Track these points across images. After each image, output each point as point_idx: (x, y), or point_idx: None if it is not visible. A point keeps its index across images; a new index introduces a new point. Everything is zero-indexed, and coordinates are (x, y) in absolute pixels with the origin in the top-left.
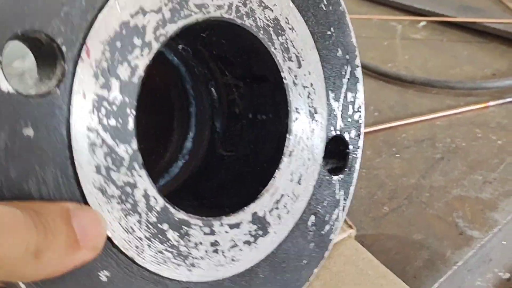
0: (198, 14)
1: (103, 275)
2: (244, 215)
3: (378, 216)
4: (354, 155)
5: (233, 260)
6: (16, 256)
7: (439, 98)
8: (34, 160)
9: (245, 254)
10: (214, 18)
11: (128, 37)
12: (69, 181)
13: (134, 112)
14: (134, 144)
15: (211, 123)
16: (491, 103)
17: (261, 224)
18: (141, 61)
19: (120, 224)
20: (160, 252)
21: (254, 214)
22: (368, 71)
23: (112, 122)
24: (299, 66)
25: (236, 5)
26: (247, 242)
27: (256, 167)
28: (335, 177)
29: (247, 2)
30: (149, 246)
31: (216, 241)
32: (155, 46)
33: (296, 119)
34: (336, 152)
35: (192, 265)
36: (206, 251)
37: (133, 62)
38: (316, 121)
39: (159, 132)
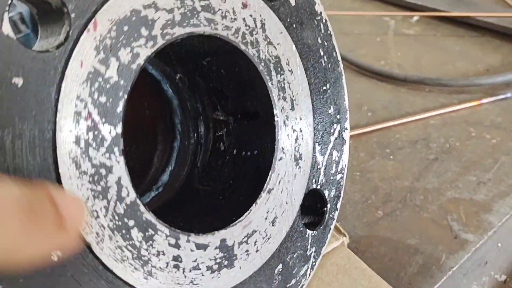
0: (206, 27)
1: (55, 254)
2: (212, 238)
3: (372, 221)
4: (331, 216)
5: (192, 283)
6: (12, 238)
7: (432, 96)
8: (15, 110)
9: (206, 280)
10: (221, 36)
11: (136, 24)
12: (45, 143)
13: (126, 97)
14: (119, 128)
15: (192, 158)
16: (485, 100)
17: (228, 254)
18: (144, 51)
19: (85, 204)
20: (120, 248)
21: (223, 240)
22: (361, 69)
23: (103, 99)
24: (292, 108)
25: (243, 31)
26: (210, 269)
27: (232, 201)
28: (309, 231)
29: (254, 32)
30: (110, 238)
31: (179, 256)
32: (160, 42)
33: (281, 159)
34: (314, 208)
35: (150, 273)
36: (167, 263)
37: (135, 50)
38: (299, 167)
39: (137, 163)
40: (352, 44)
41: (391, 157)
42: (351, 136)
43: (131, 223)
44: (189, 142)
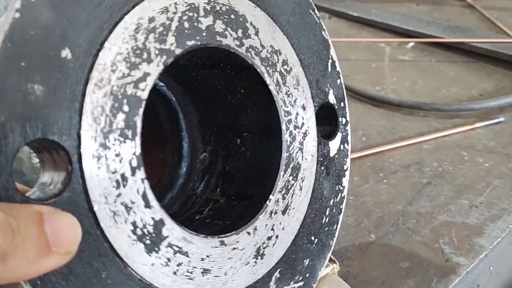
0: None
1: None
2: None
3: (364, 244)
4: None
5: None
6: None
7: (426, 121)
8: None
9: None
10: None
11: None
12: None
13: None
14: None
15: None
16: (478, 124)
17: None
18: None
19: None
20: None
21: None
22: (357, 94)
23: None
24: (284, 211)
25: (290, 123)
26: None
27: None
28: None
29: (296, 131)
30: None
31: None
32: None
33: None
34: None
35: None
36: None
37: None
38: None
39: None
40: (348, 70)
41: (385, 181)
42: None
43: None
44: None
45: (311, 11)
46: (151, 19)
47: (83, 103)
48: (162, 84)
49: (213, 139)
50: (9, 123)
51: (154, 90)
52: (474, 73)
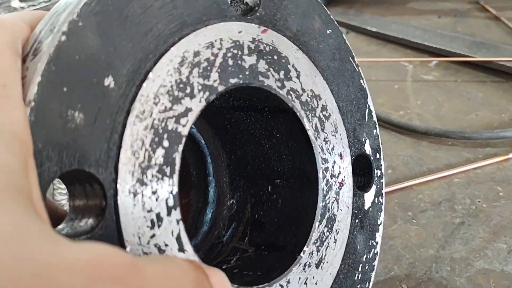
0: None
1: None
2: None
3: None
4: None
5: None
6: None
7: (456, 151)
8: None
9: None
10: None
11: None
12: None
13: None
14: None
15: None
16: None
17: None
18: None
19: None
20: None
21: None
22: (380, 121)
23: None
24: (318, 265)
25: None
26: None
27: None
28: None
29: (333, 179)
30: None
31: None
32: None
33: None
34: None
35: None
36: None
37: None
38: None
39: None
40: (370, 92)
41: (414, 221)
42: None
43: None
44: None
45: (351, 59)
46: (196, 53)
47: (123, 134)
48: (192, 125)
49: (242, 185)
50: (45, 151)
51: None
52: (504, 95)
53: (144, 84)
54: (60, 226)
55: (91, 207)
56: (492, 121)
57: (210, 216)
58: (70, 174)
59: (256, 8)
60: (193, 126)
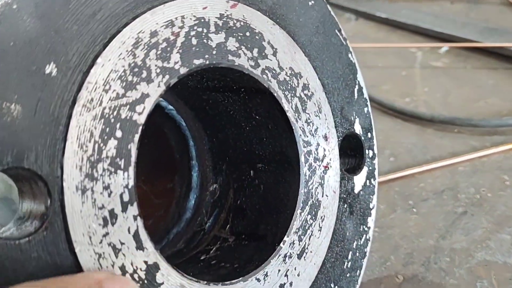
0: None
1: None
2: None
3: (390, 287)
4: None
5: None
6: None
7: (462, 138)
8: None
9: None
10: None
11: None
12: None
13: None
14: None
15: None
16: None
17: None
18: None
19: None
20: None
21: None
22: (384, 107)
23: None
24: (300, 256)
25: (312, 157)
26: None
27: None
28: None
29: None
30: None
31: None
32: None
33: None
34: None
35: None
36: None
37: None
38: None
39: None
40: (376, 79)
41: (414, 210)
42: None
43: None
44: None
45: (337, 32)
46: (153, 34)
47: (68, 126)
48: (171, 107)
49: (225, 170)
50: None
51: (163, 113)
52: None
53: (92, 70)
54: (6, 226)
55: (37, 206)
56: (502, 109)
57: (193, 202)
58: (9, 171)
59: None
60: (172, 108)
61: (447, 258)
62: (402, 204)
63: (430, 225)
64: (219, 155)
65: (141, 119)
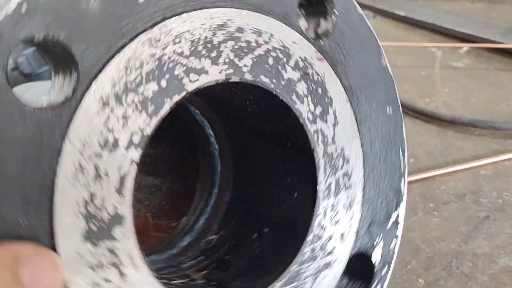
0: None
1: None
2: None
3: None
4: None
5: None
6: None
7: (484, 141)
8: None
9: None
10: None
11: None
12: None
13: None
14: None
15: None
16: None
17: None
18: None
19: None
20: None
21: None
22: (404, 108)
23: None
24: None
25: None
26: None
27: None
28: None
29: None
30: None
31: None
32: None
33: None
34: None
35: None
36: None
37: None
38: None
39: None
40: (395, 78)
41: (435, 213)
42: None
43: None
44: None
45: (401, 153)
46: (239, 29)
47: (125, 47)
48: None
49: (232, 224)
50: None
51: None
52: None
53: (173, 19)
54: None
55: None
56: None
57: (185, 244)
58: (58, 48)
59: (323, 37)
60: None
61: (469, 263)
62: (423, 206)
63: (452, 229)
64: (233, 211)
65: (189, 87)
